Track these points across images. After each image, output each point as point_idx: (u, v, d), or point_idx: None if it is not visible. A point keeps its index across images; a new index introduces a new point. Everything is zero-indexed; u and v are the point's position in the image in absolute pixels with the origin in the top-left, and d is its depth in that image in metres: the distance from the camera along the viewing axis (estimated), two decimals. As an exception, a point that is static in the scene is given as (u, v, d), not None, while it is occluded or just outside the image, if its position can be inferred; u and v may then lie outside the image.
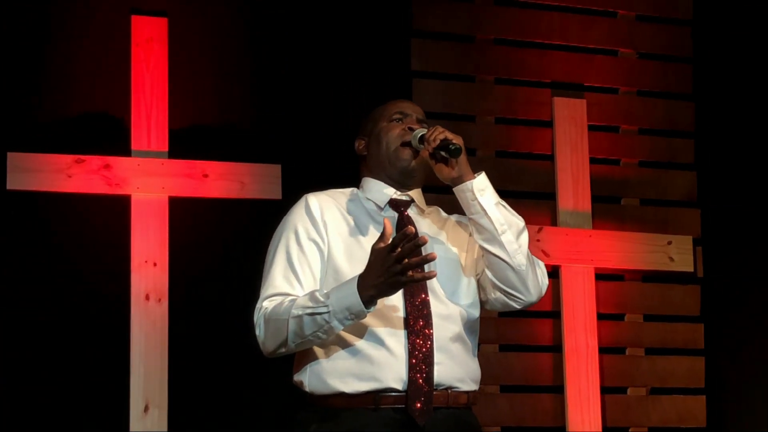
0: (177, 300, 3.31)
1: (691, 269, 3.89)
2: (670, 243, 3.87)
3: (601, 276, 3.82)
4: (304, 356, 2.35)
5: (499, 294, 2.38)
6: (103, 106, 3.41)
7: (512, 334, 3.72)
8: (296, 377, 2.38)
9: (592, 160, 3.88)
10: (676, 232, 3.91)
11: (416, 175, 2.46)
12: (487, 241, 2.34)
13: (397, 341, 2.27)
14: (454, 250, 2.43)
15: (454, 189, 2.38)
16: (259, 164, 3.41)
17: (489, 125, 3.82)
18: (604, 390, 3.75)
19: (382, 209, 2.43)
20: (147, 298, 3.27)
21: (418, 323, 2.28)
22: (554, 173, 3.84)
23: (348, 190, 2.50)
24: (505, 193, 3.70)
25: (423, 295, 2.31)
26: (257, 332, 2.32)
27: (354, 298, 2.18)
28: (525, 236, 2.36)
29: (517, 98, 3.84)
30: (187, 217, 3.37)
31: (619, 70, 3.96)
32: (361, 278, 2.19)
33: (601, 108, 3.93)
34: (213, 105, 3.52)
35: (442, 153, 2.33)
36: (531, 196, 3.81)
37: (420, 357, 2.26)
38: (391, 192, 2.46)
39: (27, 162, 3.23)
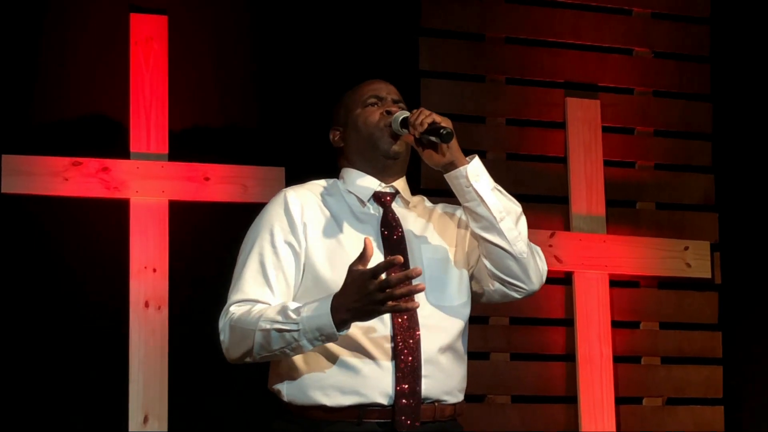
0: (177, 307, 3.30)
1: (709, 275, 3.87)
2: (686, 248, 3.85)
3: (616, 282, 3.80)
4: (282, 363, 2.26)
5: (498, 285, 2.30)
6: (100, 107, 3.41)
7: (524, 343, 3.71)
8: (274, 385, 2.29)
9: (607, 163, 3.86)
10: (693, 237, 3.88)
11: (399, 162, 2.36)
12: (485, 230, 2.25)
13: (383, 353, 2.19)
14: (443, 246, 2.34)
15: (445, 175, 2.27)
16: (262, 167, 3.39)
17: (500, 126, 3.80)
18: (619, 400, 3.73)
19: (365, 204, 2.34)
20: (146, 305, 3.26)
21: (404, 335, 2.20)
22: (567, 176, 3.82)
23: (329, 182, 2.40)
24: (516, 196, 3.74)
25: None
26: (222, 337, 2.24)
27: (326, 320, 2.09)
28: (523, 222, 2.29)
29: (528, 99, 3.82)
30: (187, 221, 3.36)
31: (635, 70, 3.94)
32: (336, 298, 2.10)
33: (616, 109, 3.91)
34: (214, 106, 3.52)
35: (432, 138, 2.22)
36: (543, 200, 3.79)
37: (407, 370, 2.18)
38: (375, 185, 2.36)
39: (22, 165, 3.22)
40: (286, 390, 2.25)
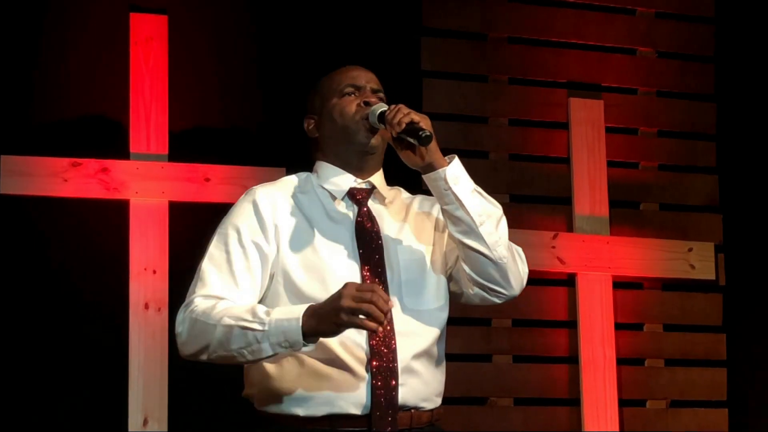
0: (177, 309, 3.18)
1: (713, 277, 3.86)
2: (690, 250, 3.84)
3: (619, 284, 3.79)
4: (254, 368, 2.19)
5: (477, 289, 2.23)
6: (100, 107, 3.39)
7: (526, 345, 3.69)
8: (246, 390, 2.24)
9: (610, 164, 3.85)
10: (697, 238, 3.87)
11: (376, 156, 2.27)
12: (464, 234, 2.16)
13: (357, 362, 2.13)
14: (420, 247, 2.26)
15: (423, 176, 2.20)
16: (263, 168, 3.36)
17: (502, 127, 3.79)
18: (622, 403, 3.72)
19: (341, 200, 2.25)
20: (146, 307, 3.25)
21: (379, 343, 2.13)
22: (570, 177, 3.80)
23: (301, 177, 2.31)
24: (518, 197, 3.84)
25: (388, 314, 2.15)
26: (179, 330, 2.15)
27: (294, 324, 2.01)
28: (504, 225, 2.20)
29: (531, 99, 3.81)
30: (188, 222, 3.33)
31: (638, 70, 3.93)
32: (311, 307, 2.03)
33: (619, 109, 3.90)
34: (215, 106, 3.51)
35: (410, 139, 2.13)
36: (546, 201, 3.79)
37: (381, 379, 2.11)
38: (350, 181, 2.27)
39: (20, 165, 3.21)
40: (258, 398, 2.20)
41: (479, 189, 2.20)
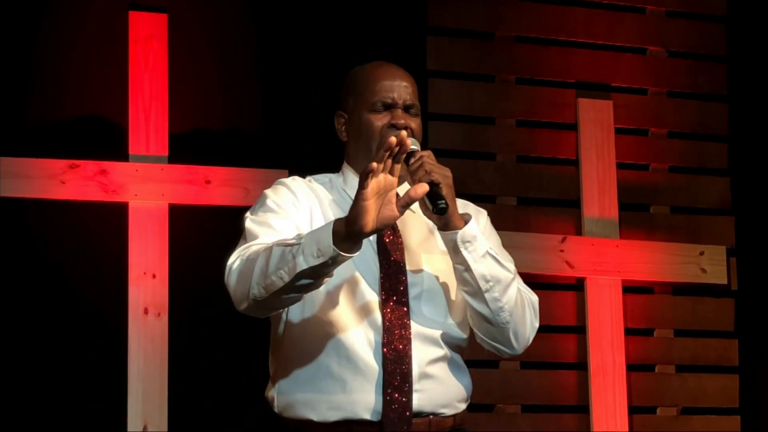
0: (177, 314, 3.29)
1: (725, 281, 3.85)
2: (702, 253, 3.83)
3: (629, 289, 3.78)
4: (275, 373, 2.23)
5: (482, 340, 2.25)
6: (98, 108, 3.40)
7: (534, 351, 3.52)
8: (268, 392, 2.25)
9: (620, 166, 3.84)
10: (709, 241, 3.86)
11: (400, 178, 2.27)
12: (470, 295, 2.18)
13: (371, 367, 2.13)
14: (444, 259, 2.24)
15: (438, 230, 2.20)
16: (264, 170, 3.38)
17: (510, 128, 3.78)
18: (632, 410, 3.71)
19: None
20: (145, 312, 3.25)
21: (396, 346, 2.13)
22: (579, 179, 3.80)
23: (326, 178, 2.33)
24: (526, 200, 3.82)
25: (405, 318, 2.16)
26: (228, 277, 2.09)
27: (326, 231, 1.96)
28: (513, 289, 2.20)
29: (539, 99, 3.80)
30: (188, 225, 3.35)
31: (648, 70, 3.92)
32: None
33: (629, 110, 3.89)
34: (216, 106, 3.51)
35: (426, 201, 2.13)
36: (554, 204, 3.78)
37: (396, 384, 2.12)
38: None
39: (17, 167, 3.21)
40: (277, 401, 2.21)
41: (493, 252, 2.18)
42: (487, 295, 2.15)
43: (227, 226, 3.27)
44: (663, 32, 3.94)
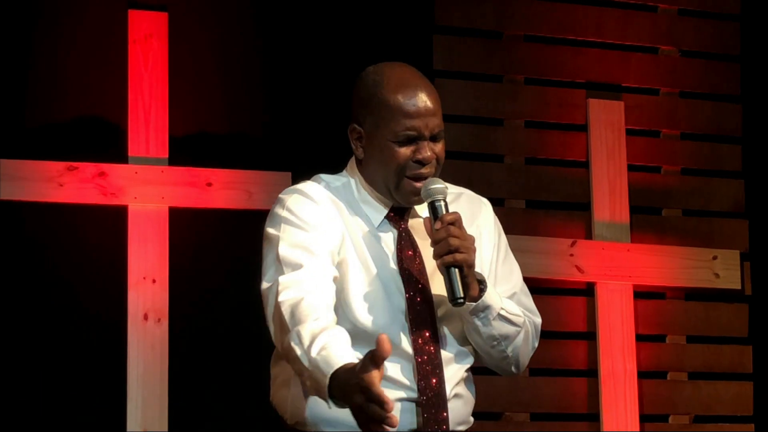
0: (178, 320, 3.29)
1: (739, 286, 3.83)
2: (715, 258, 3.81)
3: (641, 294, 3.77)
4: (285, 385, 2.18)
5: (481, 359, 2.29)
6: (97, 109, 3.39)
7: (543, 358, 3.62)
8: (278, 405, 2.20)
9: (631, 168, 3.83)
10: (722, 246, 3.85)
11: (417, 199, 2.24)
12: (477, 345, 2.22)
13: (403, 389, 2.12)
14: None
15: None
16: (267, 172, 3.37)
17: (518, 129, 3.77)
18: (644, 418, 3.70)
19: (377, 227, 2.22)
20: (145, 317, 3.24)
21: (426, 369, 2.14)
22: (589, 182, 3.78)
23: (339, 183, 2.24)
24: (535, 203, 3.78)
25: (431, 347, 2.14)
26: (266, 310, 2.08)
27: (323, 383, 1.92)
28: (519, 342, 2.23)
29: (548, 100, 3.79)
30: (189, 229, 3.35)
31: (660, 70, 3.91)
32: (343, 372, 1.93)
33: (641, 111, 3.88)
34: (217, 107, 3.51)
35: (444, 283, 2.13)
36: (564, 207, 3.77)
37: (431, 406, 2.13)
38: (386, 210, 2.22)
39: (15, 170, 3.20)
40: (291, 413, 2.17)
41: (505, 310, 2.18)
42: (492, 350, 2.20)
43: (229, 229, 3.40)
44: (675, 31, 3.93)
